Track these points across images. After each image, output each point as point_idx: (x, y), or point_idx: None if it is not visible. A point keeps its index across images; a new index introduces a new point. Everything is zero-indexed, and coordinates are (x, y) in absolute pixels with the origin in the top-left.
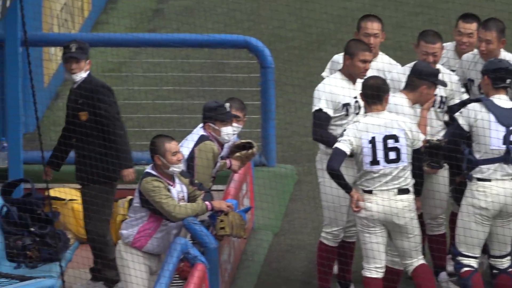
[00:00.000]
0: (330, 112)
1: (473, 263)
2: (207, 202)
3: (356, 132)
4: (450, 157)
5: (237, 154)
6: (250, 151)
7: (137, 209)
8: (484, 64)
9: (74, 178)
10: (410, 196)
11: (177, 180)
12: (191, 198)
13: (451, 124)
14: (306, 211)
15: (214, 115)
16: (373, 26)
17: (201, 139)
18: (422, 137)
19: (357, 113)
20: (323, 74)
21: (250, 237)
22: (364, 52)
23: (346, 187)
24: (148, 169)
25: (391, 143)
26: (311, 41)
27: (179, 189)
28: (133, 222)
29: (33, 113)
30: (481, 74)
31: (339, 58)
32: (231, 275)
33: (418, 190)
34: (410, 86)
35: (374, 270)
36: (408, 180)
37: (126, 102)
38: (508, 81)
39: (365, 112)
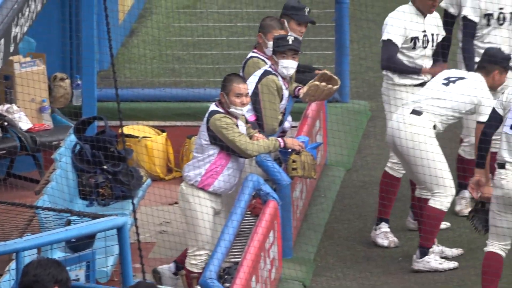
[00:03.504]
0: (399, 44)
1: None
2: (280, 139)
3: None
4: None
5: (315, 82)
6: (328, 86)
7: (205, 148)
8: None
9: (147, 115)
10: None
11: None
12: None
13: None
14: (380, 147)
15: (274, 48)
16: None
17: (264, 74)
18: None
19: (425, 47)
20: None
21: (323, 174)
22: None
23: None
24: (213, 106)
25: None
26: None
27: (241, 125)
28: (199, 163)
29: (107, 50)
30: None
31: None
32: (303, 211)
33: None
34: (484, 71)
35: (498, 246)
36: None
37: (200, 39)
38: None
39: None
